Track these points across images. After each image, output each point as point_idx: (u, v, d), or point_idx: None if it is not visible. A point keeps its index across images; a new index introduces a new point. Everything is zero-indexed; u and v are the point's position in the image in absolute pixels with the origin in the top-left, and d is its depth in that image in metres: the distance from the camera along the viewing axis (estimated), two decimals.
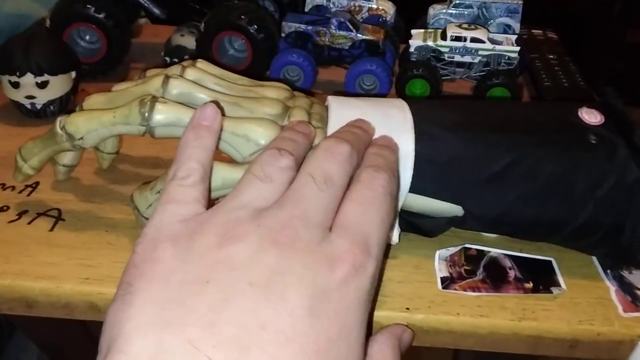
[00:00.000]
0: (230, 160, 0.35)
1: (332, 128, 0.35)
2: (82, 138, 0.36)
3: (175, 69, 0.38)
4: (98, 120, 0.35)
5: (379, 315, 0.34)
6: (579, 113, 0.37)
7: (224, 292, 0.21)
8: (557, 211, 0.36)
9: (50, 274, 0.35)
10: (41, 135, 0.38)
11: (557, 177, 0.35)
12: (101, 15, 0.54)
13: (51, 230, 0.38)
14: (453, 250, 0.39)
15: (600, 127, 0.37)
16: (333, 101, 0.37)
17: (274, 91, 0.38)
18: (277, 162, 0.27)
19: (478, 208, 0.37)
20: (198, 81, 0.37)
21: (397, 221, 0.37)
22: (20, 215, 0.39)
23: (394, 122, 0.36)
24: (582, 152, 0.36)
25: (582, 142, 0.36)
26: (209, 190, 0.30)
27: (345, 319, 0.23)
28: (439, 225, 0.38)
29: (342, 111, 0.36)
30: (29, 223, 0.39)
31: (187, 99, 0.36)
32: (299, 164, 0.28)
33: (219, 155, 0.35)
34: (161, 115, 0.34)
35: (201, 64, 0.39)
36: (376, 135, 0.35)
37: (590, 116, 0.37)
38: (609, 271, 0.38)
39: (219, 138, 0.34)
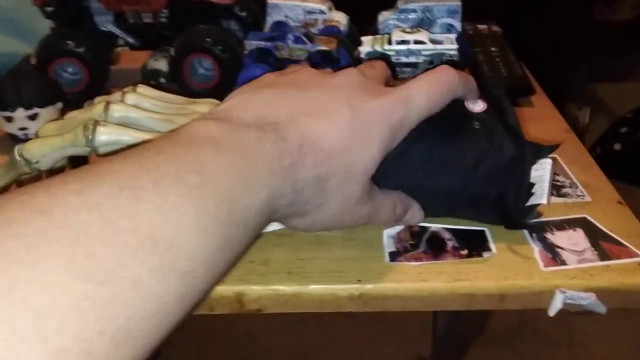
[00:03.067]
0: None
1: None
2: (38, 162, 0.42)
3: (117, 95, 0.45)
4: (50, 145, 0.42)
5: (335, 287, 0.40)
6: (465, 103, 0.44)
7: (292, 84, 0.37)
8: (450, 184, 0.42)
9: None
10: (3, 162, 0.45)
11: (447, 157, 0.42)
12: (81, 50, 0.60)
13: None
14: (399, 228, 0.45)
15: (482, 114, 0.43)
16: None
17: (204, 107, 0.45)
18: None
19: (384, 180, 0.42)
20: (137, 104, 0.44)
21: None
22: None
23: None
24: (467, 135, 0.42)
25: (467, 128, 0.42)
26: None
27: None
28: None
29: None
30: None
31: (127, 121, 0.43)
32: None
33: None
34: (103, 136, 0.41)
35: (141, 88, 0.46)
36: None
37: (475, 105, 0.43)
38: (534, 234, 0.44)
39: None
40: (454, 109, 0.44)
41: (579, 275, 0.41)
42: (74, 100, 0.62)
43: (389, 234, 0.45)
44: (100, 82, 0.63)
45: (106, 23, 0.63)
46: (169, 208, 0.25)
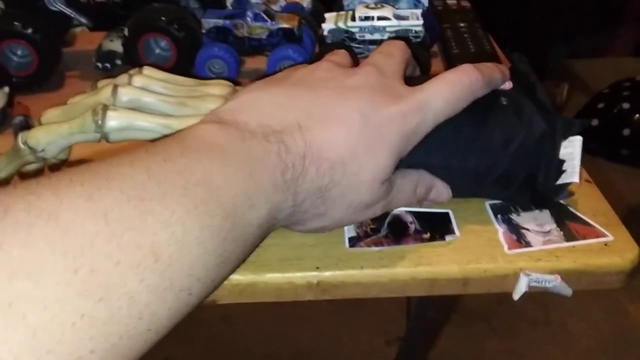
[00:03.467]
0: None
1: None
2: (43, 150, 0.39)
3: (123, 78, 0.42)
4: (56, 132, 0.39)
5: (293, 276, 0.39)
6: None
7: (305, 80, 0.36)
8: (478, 163, 0.41)
9: None
10: (6, 151, 0.42)
11: (475, 135, 0.40)
12: (28, 31, 0.57)
13: None
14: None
15: (509, 91, 0.42)
16: None
17: (217, 88, 0.42)
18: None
19: (409, 159, 0.41)
20: (145, 87, 0.41)
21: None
22: None
23: None
24: (495, 113, 0.41)
25: (494, 105, 0.41)
26: None
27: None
28: None
29: None
30: None
31: (136, 104, 0.40)
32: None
33: None
34: (114, 121, 0.38)
35: (147, 70, 0.43)
36: None
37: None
38: (499, 216, 0.43)
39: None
40: None
41: (544, 257, 0.39)
42: (25, 84, 0.59)
43: None
44: (51, 65, 0.60)
45: (56, 3, 0.60)
46: (175, 223, 0.25)
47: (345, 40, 0.60)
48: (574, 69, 2.30)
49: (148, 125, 0.39)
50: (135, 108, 0.39)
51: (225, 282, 0.39)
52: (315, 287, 0.39)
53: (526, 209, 0.44)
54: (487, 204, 0.44)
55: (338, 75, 0.36)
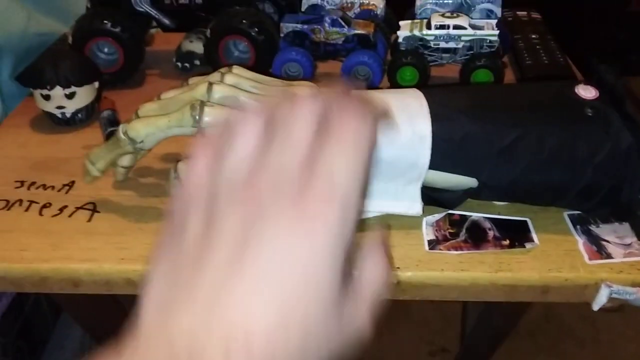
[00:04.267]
0: None
1: None
2: (142, 141, 0.41)
3: (215, 76, 0.43)
4: (155, 125, 0.41)
5: None
6: (576, 90, 0.42)
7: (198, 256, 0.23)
8: (562, 177, 0.41)
9: (92, 257, 0.41)
10: (105, 142, 0.44)
11: (559, 147, 0.40)
12: (117, 29, 0.60)
13: (89, 221, 0.44)
14: (438, 216, 0.44)
15: (595, 101, 0.42)
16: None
17: (302, 89, 0.44)
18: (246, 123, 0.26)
19: (491, 179, 0.42)
20: (236, 85, 0.43)
21: (420, 195, 0.42)
22: (61, 210, 0.45)
23: (411, 109, 0.41)
24: (580, 124, 0.41)
25: (579, 115, 0.41)
26: None
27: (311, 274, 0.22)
28: (457, 197, 0.43)
29: None
30: (70, 216, 0.45)
31: (229, 102, 0.41)
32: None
33: None
34: (210, 117, 0.40)
35: (237, 69, 0.44)
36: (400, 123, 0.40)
37: (586, 92, 0.42)
38: (578, 226, 0.43)
39: None
40: (564, 95, 0.42)
41: (626, 270, 0.39)
42: (110, 80, 0.62)
43: (428, 221, 0.44)
44: (135, 63, 0.63)
45: (142, 3, 0.63)
46: None
47: (419, 48, 0.61)
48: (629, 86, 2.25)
49: None
50: (227, 105, 0.41)
51: None
52: (395, 287, 0.40)
53: (605, 220, 0.43)
54: (566, 214, 0.44)
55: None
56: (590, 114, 0.41)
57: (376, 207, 0.43)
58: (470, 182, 0.42)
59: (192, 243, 0.23)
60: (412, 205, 0.43)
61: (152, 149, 0.43)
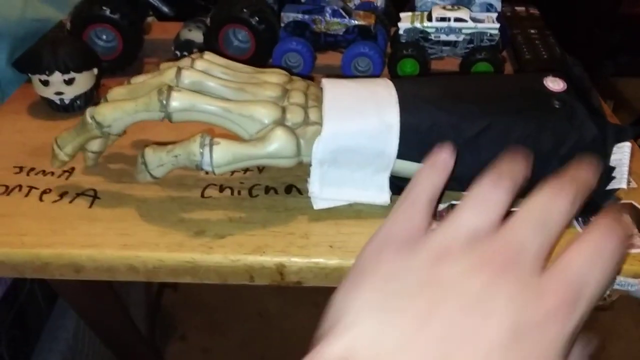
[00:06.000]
0: (238, 139, 0.41)
1: (327, 105, 0.41)
2: (109, 125, 0.41)
3: (185, 61, 0.43)
4: (122, 110, 0.41)
5: None
6: (544, 82, 0.42)
7: (430, 306, 0.23)
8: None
9: (94, 243, 0.40)
10: (73, 126, 0.44)
11: (525, 138, 0.40)
12: (116, 16, 0.59)
13: (90, 207, 0.44)
14: (441, 207, 0.44)
15: (562, 93, 0.42)
16: (327, 82, 0.43)
17: (274, 76, 0.44)
18: (495, 191, 0.28)
19: (457, 169, 0.42)
20: (206, 71, 0.42)
21: (388, 184, 0.42)
22: (61, 196, 0.45)
23: (380, 98, 0.41)
24: (546, 115, 0.41)
25: (546, 107, 0.41)
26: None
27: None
28: None
29: (335, 90, 0.42)
30: (70, 202, 0.44)
31: (198, 87, 0.41)
32: (514, 192, 0.28)
33: (229, 134, 0.41)
34: (177, 102, 0.40)
35: (208, 55, 0.44)
36: (368, 111, 0.40)
37: (554, 84, 0.42)
38: (580, 218, 0.43)
39: (229, 120, 0.40)
40: (532, 87, 0.43)
41: (628, 261, 0.40)
42: (109, 67, 0.61)
43: None
44: (134, 51, 0.62)
45: None
46: None
47: (419, 40, 0.61)
48: (619, 87, 2.27)
49: (209, 107, 0.40)
50: (197, 91, 0.41)
51: (312, 265, 0.40)
52: None
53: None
54: None
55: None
56: (557, 106, 0.41)
57: (343, 195, 0.43)
58: None
59: (418, 288, 0.24)
60: (380, 194, 0.43)
61: (122, 134, 0.43)
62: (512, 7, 0.75)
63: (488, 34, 0.59)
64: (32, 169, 0.47)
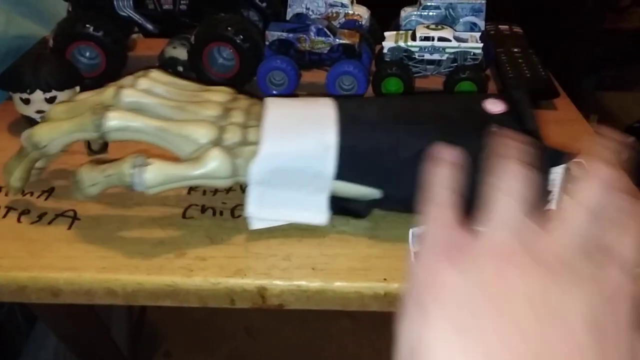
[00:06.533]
0: (175, 158, 0.41)
1: (265, 125, 0.41)
2: (46, 146, 0.41)
3: (128, 80, 0.43)
4: (58, 130, 0.41)
5: (360, 285, 0.39)
6: (483, 104, 0.43)
7: (507, 322, 0.23)
8: (464, 190, 0.41)
9: (72, 266, 0.40)
10: (12, 154, 0.43)
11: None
12: (99, 34, 0.59)
13: (69, 228, 0.43)
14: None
15: (501, 115, 0.42)
16: (269, 102, 0.43)
17: (217, 95, 0.44)
18: (517, 183, 0.28)
19: (393, 191, 0.42)
20: (149, 89, 0.42)
21: (327, 204, 0.42)
22: (40, 217, 0.44)
23: (319, 118, 0.42)
24: (482, 138, 0.41)
25: (484, 130, 0.41)
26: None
27: (618, 341, 0.23)
28: (363, 208, 0.44)
29: (276, 110, 0.42)
30: (49, 223, 0.44)
31: (137, 106, 0.41)
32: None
33: (166, 154, 0.41)
34: (112, 122, 0.40)
35: (154, 73, 0.44)
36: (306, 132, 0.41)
37: (493, 106, 0.42)
38: None
39: (165, 140, 0.40)
40: (471, 108, 0.43)
41: None
42: (91, 85, 0.60)
43: (414, 232, 0.43)
44: (117, 68, 0.62)
45: (125, 8, 0.62)
46: None
47: (403, 59, 0.61)
48: (604, 101, 2.29)
49: (144, 127, 0.40)
50: (137, 109, 0.41)
51: (294, 288, 0.40)
52: (381, 298, 0.40)
53: None
54: None
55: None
56: (494, 129, 0.42)
57: (282, 215, 0.43)
58: (375, 192, 0.43)
59: (490, 304, 0.23)
60: (318, 215, 0.43)
61: (60, 152, 0.43)
62: (496, 25, 0.75)
63: (471, 53, 0.60)
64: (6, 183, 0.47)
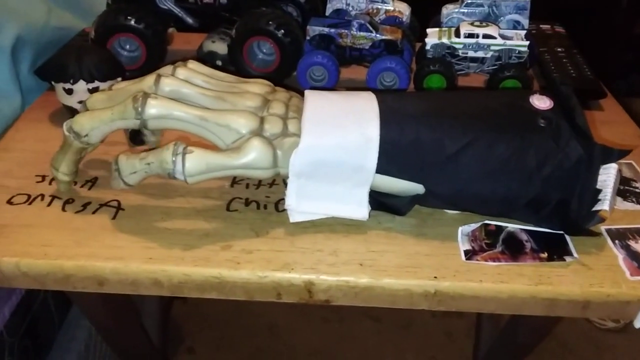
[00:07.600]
0: (214, 148, 0.40)
1: (306, 117, 0.40)
2: (87, 135, 0.41)
3: (167, 69, 0.43)
4: (99, 119, 0.40)
5: (409, 283, 0.38)
6: (530, 99, 0.41)
7: None
8: (509, 187, 0.40)
9: (118, 255, 0.39)
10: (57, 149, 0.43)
11: (508, 156, 0.39)
12: (141, 26, 0.59)
13: (113, 218, 0.43)
14: (474, 226, 0.43)
15: (548, 112, 0.41)
16: (309, 94, 0.43)
17: (256, 87, 0.43)
18: None
19: (437, 186, 0.41)
20: (188, 79, 0.42)
21: (367, 199, 0.42)
22: (84, 206, 0.44)
23: (362, 111, 0.41)
24: (531, 133, 0.40)
25: (531, 125, 0.40)
26: None
27: None
28: (404, 204, 0.43)
29: (317, 102, 0.41)
30: (93, 213, 0.43)
31: (177, 95, 0.41)
32: None
33: (204, 143, 0.40)
34: (152, 109, 0.39)
35: (192, 64, 0.44)
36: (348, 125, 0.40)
37: (540, 102, 0.41)
38: (617, 241, 0.42)
39: (206, 129, 0.39)
40: (518, 104, 0.42)
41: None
42: (132, 77, 0.60)
43: (463, 231, 0.43)
44: (157, 61, 0.62)
45: (166, 1, 0.62)
46: None
47: (446, 56, 0.60)
48: (632, 107, 2.26)
49: (185, 115, 0.39)
50: (176, 98, 0.40)
51: (342, 283, 0.39)
52: (431, 297, 0.39)
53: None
54: (603, 228, 0.43)
55: None
56: (542, 124, 0.40)
57: (321, 209, 0.42)
58: (417, 188, 0.41)
59: None
60: (359, 209, 0.42)
61: (101, 141, 0.42)
62: (537, 24, 0.74)
63: (517, 51, 0.59)
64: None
